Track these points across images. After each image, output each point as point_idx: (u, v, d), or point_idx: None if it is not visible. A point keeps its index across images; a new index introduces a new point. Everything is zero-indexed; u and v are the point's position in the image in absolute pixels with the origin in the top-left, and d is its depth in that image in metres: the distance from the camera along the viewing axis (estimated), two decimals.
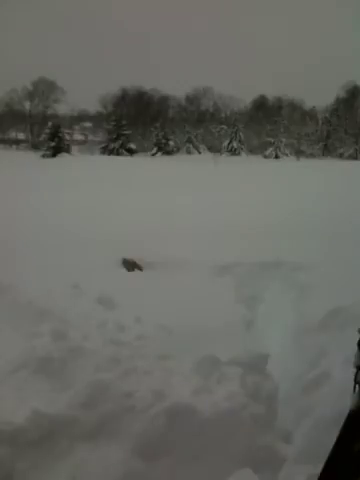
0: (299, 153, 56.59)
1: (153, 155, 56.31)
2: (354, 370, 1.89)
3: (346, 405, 1.80)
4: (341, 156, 56.70)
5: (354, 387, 1.86)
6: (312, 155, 57.49)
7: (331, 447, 1.73)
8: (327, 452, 1.81)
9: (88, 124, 77.98)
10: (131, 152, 56.51)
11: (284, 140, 56.57)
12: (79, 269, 6.55)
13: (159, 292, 5.95)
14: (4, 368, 3.64)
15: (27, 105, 70.72)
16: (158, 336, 4.55)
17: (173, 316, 4.98)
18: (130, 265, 7.39)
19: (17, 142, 70.09)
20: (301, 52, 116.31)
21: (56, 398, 3.24)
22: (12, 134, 70.44)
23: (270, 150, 55.85)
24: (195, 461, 2.93)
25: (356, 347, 1.91)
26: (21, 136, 71.36)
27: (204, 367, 3.60)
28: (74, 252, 7.49)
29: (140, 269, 7.37)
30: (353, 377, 1.87)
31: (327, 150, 60.37)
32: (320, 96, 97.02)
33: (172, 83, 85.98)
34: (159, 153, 57.16)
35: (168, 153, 57.20)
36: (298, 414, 3.04)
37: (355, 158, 54.98)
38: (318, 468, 2.13)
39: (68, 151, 53.00)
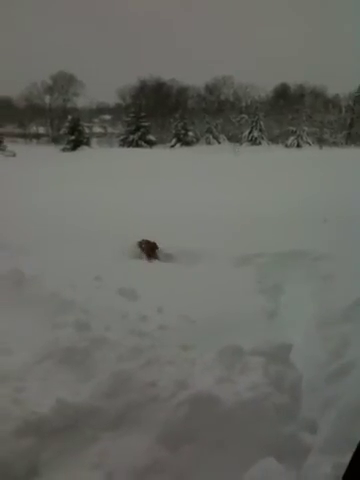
0: (322, 142, 55.68)
1: (172, 146, 56.11)
2: None
3: None
4: None
5: None
6: (335, 144, 56.43)
7: (357, 436, 1.71)
8: (352, 441, 1.78)
9: (107, 117, 78.11)
10: (150, 144, 56.43)
11: (306, 129, 55.68)
12: (100, 261, 6.60)
13: (180, 283, 5.95)
14: (29, 359, 3.70)
15: (47, 99, 71.39)
16: (180, 326, 4.55)
17: (195, 306, 4.98)
18: (145, 247, 7.39)
19: (38, 136, 70.77)
20: (324, 38, 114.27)
21: (80, 388, 3.28)
22: (32, 128, 71.12)
23: (292, 139, 55.08)
24: (218, 450, 2.93)
25: None
26: (41, 130, 72.08)
27: (227, 357, 3.59)
28: (95, 244, 7.54)
29: (153, 251, 7.36)
30: None
31: (351, 139, 59.14)
32: (343, 83, 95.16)
33: (191, 73, 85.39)
34: (178, 144, 56.91)
35: (187, 144, 56.90)
36: (322, 404, 3.01)
37: None
38: (343, 457, 2.11)
39: (88, 144, 53.24)
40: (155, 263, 7.16)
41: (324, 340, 3.85)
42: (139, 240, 7.60)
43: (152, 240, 7.55)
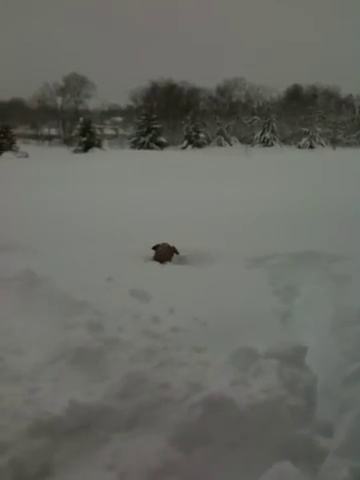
0: (335, 142, 55.36)
1: (183, 148, 56.10)
2: None
3: None
4: None
5: None
6: (348, 144, 56.09)
7: None
8: None
9: (119, 118, 78.43)
10: (161, 146, 56.49)
11: (319, 130, 55.37)
12: (111, 262, 6.60)
13: (192, 284, 5.91)
14: (42, 359, 3.70)
15: (59, 101, 71.92)
16: (192, 328, 4.52)
17: (207, 308, 4.94)
18: (165, 251, 7.29)
19: (50, 138, 71.32)
20: (336, 39, 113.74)
21: (93, 389, 3.26)
22: (45, 130, 71.65)
23: (305, 140, 54.82)
24: (232, 453, 2.90)
25: None
26: (53, 132, 72.62)
27: (240, 359, 3.56)
28: (105, 245, 7.55)
29: (172, 255, 7.27)
30: None
31: None
32: (357, 83, 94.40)
33: (202, 74, 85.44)
34: (190, 146, 56.89)
35: (199, 146, 56.87)
36: (338, 407, 2.96)
37: None
38: None
39: (99, 146, 53.48)
40: (167, 265, 7.11)
41: (339, 342, 3.80)
42: (158, 243, 7.45)
43: (167, 243, 7.47)
